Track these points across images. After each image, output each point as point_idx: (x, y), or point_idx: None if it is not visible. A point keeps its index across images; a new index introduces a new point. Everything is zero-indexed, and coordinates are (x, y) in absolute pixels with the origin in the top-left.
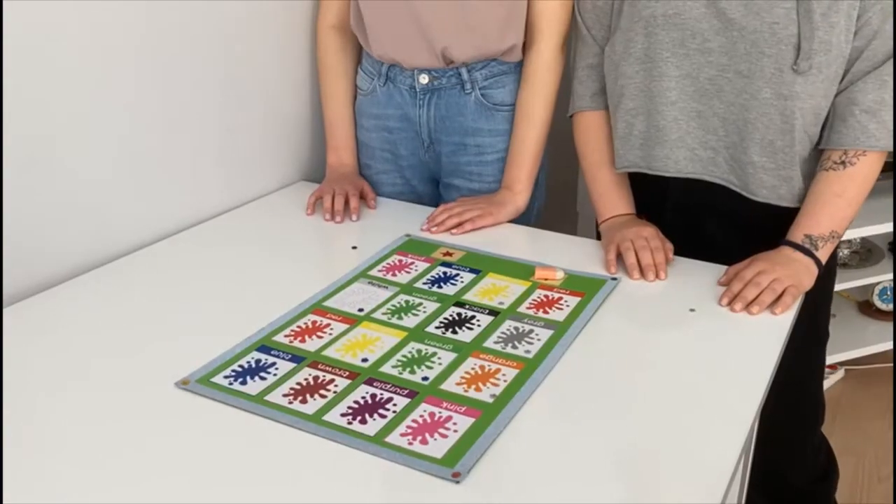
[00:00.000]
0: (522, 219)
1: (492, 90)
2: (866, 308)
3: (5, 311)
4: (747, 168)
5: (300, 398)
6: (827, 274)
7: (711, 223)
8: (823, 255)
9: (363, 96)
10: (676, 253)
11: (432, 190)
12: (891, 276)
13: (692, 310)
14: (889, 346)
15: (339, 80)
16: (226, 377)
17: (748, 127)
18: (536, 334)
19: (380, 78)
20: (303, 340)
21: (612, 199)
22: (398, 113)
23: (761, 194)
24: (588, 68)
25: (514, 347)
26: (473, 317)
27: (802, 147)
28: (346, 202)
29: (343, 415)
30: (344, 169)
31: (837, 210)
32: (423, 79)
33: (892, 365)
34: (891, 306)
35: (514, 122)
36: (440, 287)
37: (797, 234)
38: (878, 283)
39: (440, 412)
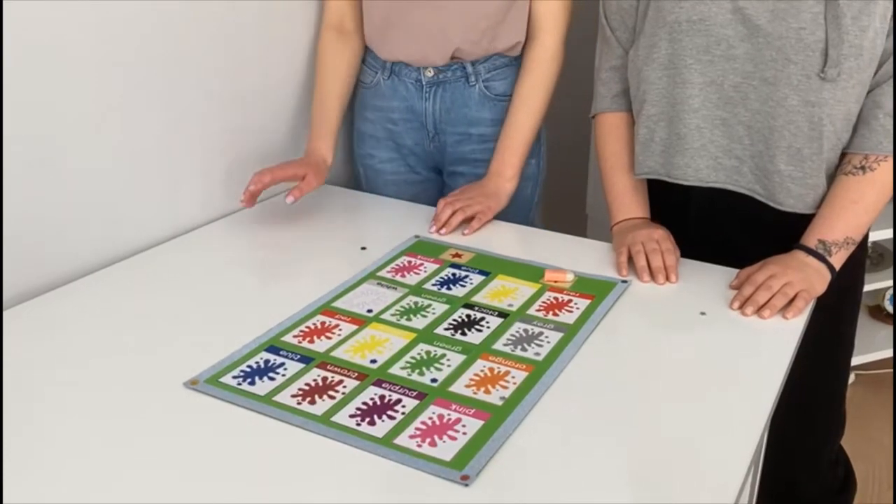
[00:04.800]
0: (525, 207)
1: (494, 82)
2: (877, 312)
3: (14, 310)
4: (773, 177)
5: (309, 399)
6: (854, 284)
7: (735, 230)
8: (837, 260)
9: (366, 89)
10: (700, 259)
11: (436, 177)
12: None
13: (703, 313)
14: None
15: (329, 78)
16: (234, 377)
17: (774, 135)
18: (546, 337)
19: (384, 72)
20: (311, 341)
21: (626, 203)
22: (403, 105)
23: (788, 203)
24: (611, 70)
25: (524, 350)
26: (483, 319)
27: (832, 153)
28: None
29: (352, 416)
30: (313, 156)
31: (853, 216)
32: (429, 73)
33: None
34: None
35: (511, 110)
36: (449, 289)
37: (811, 238)
38: (888, 288)
39: (449, 414)
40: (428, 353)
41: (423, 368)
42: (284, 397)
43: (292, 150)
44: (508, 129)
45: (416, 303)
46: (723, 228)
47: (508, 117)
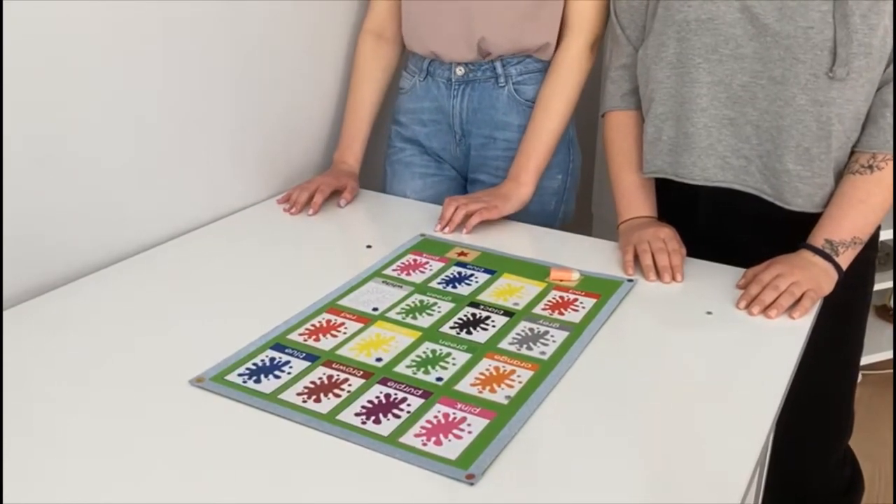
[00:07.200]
0: (547, 223)
1: (525, 86)
2: (883, 312)
3: (17, 308)
4: (782, 177)
5: (314, 397)
6: (862, 283)
7: (743, 229)
8: (844, 260)
9: (403, 94)
10: (707, 258)
11: (460, 185)
12: None
13: (709, 313)
14: None
15: (363, 85)
16: (240, 375)
17: (782, 134)
18: (552, 336)
19: (421, 73)
20: (317, 339)
21: (633, 201)
22: (433, 105)
23: (796, 203)
24: (621, 68)
25: (529, 349)
26: (488, 317)
27: (841, 153)
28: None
29: (357, 414)
30: (342, 166)
31: (861, 216)
32: (459, 70)
33: None
34: None
35: (532, 114)
36: (455, 287)
37: (818, 238)
38: (894, 288)
39: (454, 413)
40: (433, 351)
41: (429, 367)
42: (290, 395)
43: (294, 150)
44: (526, 133)
45: (421, 301)
46: (730, 228)
47: (529, 121)
